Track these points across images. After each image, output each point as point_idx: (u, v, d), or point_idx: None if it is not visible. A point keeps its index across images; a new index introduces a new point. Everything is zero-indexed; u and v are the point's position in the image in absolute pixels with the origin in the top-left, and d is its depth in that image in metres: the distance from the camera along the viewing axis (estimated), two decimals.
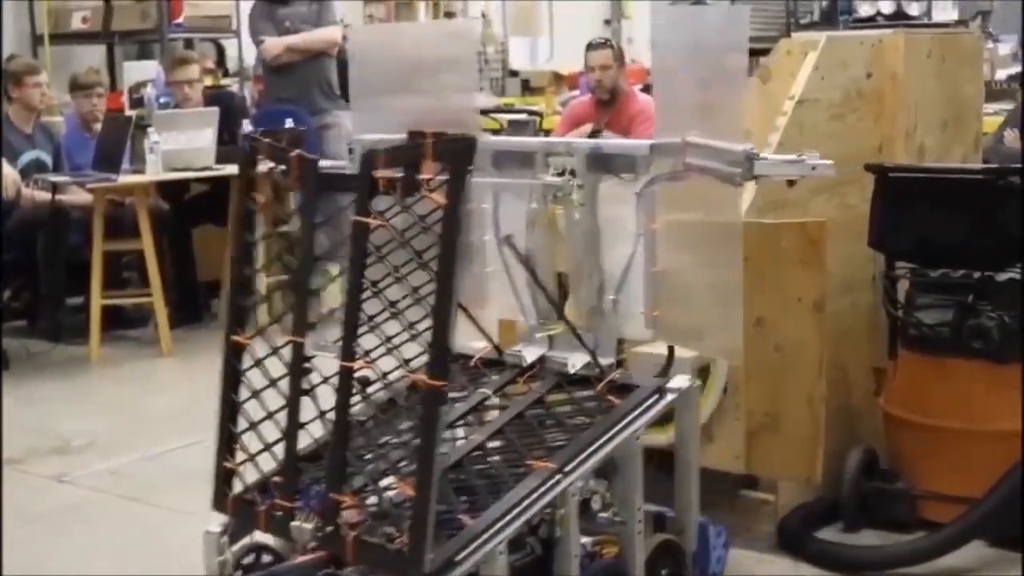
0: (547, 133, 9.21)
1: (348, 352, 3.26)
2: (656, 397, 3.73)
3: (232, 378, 3.55)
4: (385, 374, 3.49)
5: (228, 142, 7.90)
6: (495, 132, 9.65)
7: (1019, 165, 5.19)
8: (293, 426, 3.38)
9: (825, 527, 4.44)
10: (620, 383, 3.80)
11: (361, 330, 3.32)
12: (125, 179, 7.40)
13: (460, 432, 3.81)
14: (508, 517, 3.28)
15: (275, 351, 3.44)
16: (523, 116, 10.29)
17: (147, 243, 7.33)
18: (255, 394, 3.49)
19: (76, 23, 10.58)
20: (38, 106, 7.94)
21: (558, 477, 3.41)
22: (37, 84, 7.87)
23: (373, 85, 4.16)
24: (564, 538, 3.44)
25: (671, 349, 3.89)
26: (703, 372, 4.24)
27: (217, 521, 3.59)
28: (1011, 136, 6.93)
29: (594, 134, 7.26)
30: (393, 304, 3.39)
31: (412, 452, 3.26)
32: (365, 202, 3.24)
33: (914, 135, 4.83)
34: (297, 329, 3.37)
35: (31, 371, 7.18)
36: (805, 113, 4.51)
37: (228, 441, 3.57)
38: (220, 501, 3.60)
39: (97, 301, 7.36)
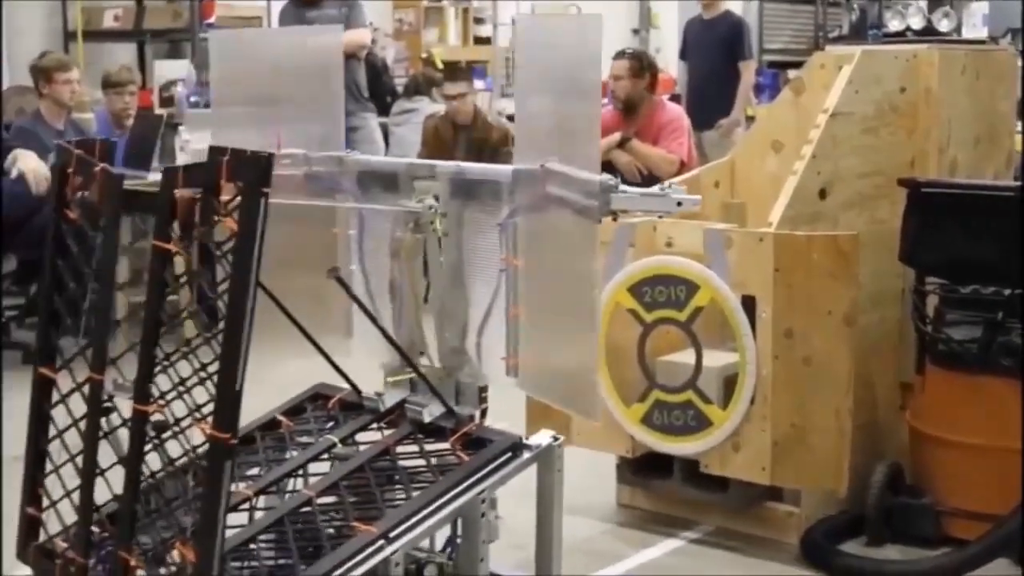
0: None
1: (142, 394, 2.86)
2: (509, 455, 3.37)
3: (39, 416, 3.22)
4: (178, 420, 2.91)
5: None
6: None
7: None
8: (89, 473, 3.01)
9: (849, 541, 4.43)
10: (476, 436, 3.46)
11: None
12: (155, 177, 7.41)
13: (297, 484, 3.48)
14: None
15: (77, 387, 3.08)
16: None
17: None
18: (58, 435, 3.18)
19: (108, 21, 10.63)
20: (68, 103, 7.95)
21: (380, 543, 3.08)
22: (67, 81, 7.87)
23: (234, 95, 3.81)
24: None
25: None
26: (731, 381, 4.24)
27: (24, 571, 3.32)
28: None
29: (623, 143, 7.26)
30: (188, 342, 2.95)
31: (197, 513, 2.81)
32: (165, 225, 2.86)
33: (947, 151, 4.82)
34: (95, 365, 2.98)
35: None
36: (838, 126, 4.51)
37: (32, 486, 3.23)
38: (23, 551, 3.27)
39: (124, 298, 7.36)
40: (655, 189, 3.19)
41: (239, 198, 2.73)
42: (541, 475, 3.44)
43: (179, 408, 2.90)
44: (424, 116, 9.00)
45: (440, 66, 11.04)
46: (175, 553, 2.86)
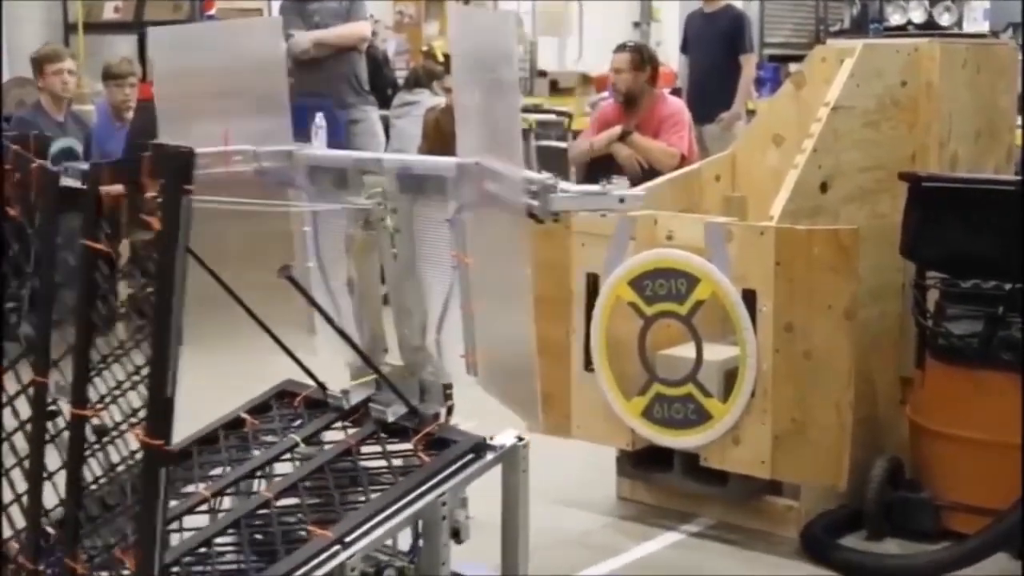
0: (576, 135, 9.20)
1: (79, 398, 2.76)
2: (472, 456, 3.34)
3: None
4: (117, 424, 2.81)
5: None
6: (524, 131, 9.69)
7: None
8: (35, 477, 2.93)
9: (848, 535, 4.43)
10: (439, 437, 3.43)
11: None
12: None
13: (262, 484, 3.47)
14: None
15: (23, 390, 3.00)
16: (552, 116, 10.31)
17: None
18: (6, 438, 3.08)
19: (108, 13, 10.63)
20: (61, 93, 7.89)
21: (336, 548, 3.06)
22: (58, 71, 7.82)
23: (180, 91, 3.69)
24: None
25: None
26: (732, 374, 4.24)
27: None
28: None
29: (624, 136, 7.25)
30: (121, 344, 2.83)
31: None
32: (93, 224, 2.74)
33: (948, 145, 4.82)
34: (38, 367, 2.89)
35: None
36: (840, 120, 4.51)
37: None
38: None
39: (126, 289, 7.37)
40: (596, 187, 3.15)
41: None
42: (506, 476, 3.42)
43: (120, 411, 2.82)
44: (425, 109, 8.99)
45: (441, 59, 11.02)
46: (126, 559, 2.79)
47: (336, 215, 3.57)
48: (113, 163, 2.84)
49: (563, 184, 3.04)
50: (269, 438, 3.63)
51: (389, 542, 3.33)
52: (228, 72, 3.71)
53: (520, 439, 3.41)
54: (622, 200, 3.11)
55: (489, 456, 3.37)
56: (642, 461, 4.67)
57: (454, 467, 3.33)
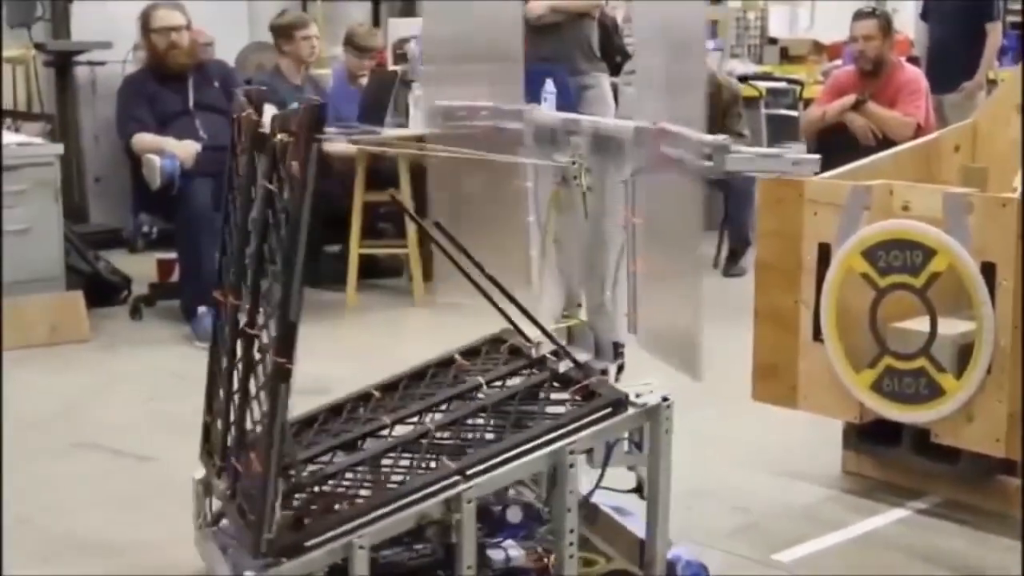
0: (807, 103, 9.05)
1: (251, 320, 3.33)
2: (609, 411, 3.37)
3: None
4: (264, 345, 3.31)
5: None
6: (755, 99, 9.59)
7: None
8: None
9: None
10: (591, 390, 3.49)
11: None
12: (388, 132, 7.56)
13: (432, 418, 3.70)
14: (378, 512, 3.18)
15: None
16: (783, 84, 10.17)
17: (406, 195, 7.46)
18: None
19: None
20: (307, 59, 8.17)
21: (455, 479, 3.23)
22: (307, 37, 8.11)
23: (441, 56, 4.08)
24: (459, 546, 3.22)
25: None
26: (967, 349, 4.13)
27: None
28: None
29: (858, 105, 7.12)
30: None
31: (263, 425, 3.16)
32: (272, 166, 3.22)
33: None
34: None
35: None
36: None
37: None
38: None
39: (355, 250, 7.58)
40: (772, 150, 3.23)
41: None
42: (649, 436, 3.42)
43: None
44: None
45: None
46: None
47: (550, 173, 3.74)
48: (279, 114, 3.22)
49: (737, 146, 3.14)
50: (470, 377, 3.80)
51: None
52: (478, 37, 3.94)
53: (665, 399, 3.40)
54: (795, 163, 3.16)
55: (629, 411, 3.38)
56: (869, 435, 4.59)
57: (588, 419, 3.37)
